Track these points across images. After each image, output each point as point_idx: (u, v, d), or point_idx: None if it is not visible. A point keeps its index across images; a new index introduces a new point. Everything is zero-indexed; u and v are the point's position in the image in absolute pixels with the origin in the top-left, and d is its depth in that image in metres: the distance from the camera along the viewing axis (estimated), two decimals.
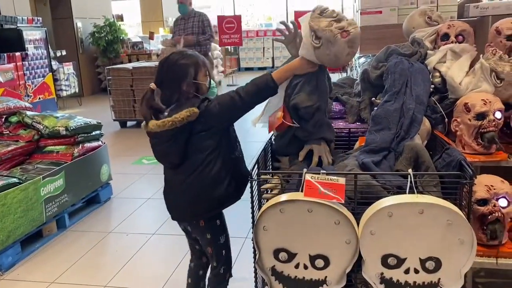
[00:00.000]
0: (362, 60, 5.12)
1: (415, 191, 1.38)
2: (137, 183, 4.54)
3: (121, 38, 11.25)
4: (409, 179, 1.39)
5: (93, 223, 3.60)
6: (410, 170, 1.41)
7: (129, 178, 4.62)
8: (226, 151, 1.78)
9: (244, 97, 1.69)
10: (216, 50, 11.28)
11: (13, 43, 7.90)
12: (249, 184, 1.52)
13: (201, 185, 1.74)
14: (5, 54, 7.42)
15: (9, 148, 3.47)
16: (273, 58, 15.36)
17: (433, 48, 2.20)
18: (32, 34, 8.37)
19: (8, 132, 3.73)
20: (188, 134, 1.74)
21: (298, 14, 10.47)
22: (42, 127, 3.67)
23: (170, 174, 1.88)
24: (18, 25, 8.27)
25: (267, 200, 1.53)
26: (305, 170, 1.43)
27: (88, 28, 10.96)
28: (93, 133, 3.95)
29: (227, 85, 11.71)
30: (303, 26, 1.63)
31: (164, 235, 3.32)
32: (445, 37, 2.20)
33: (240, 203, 1.85)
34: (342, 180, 1.38)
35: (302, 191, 1.41)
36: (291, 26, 1.78)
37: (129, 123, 7.36)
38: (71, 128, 3.66)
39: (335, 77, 10.94)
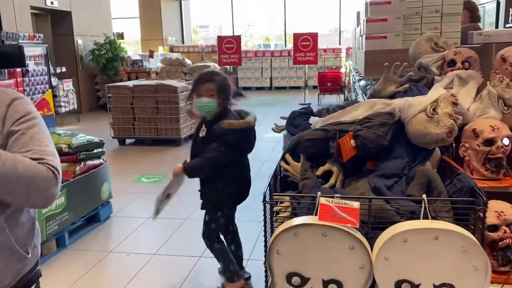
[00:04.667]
0: (363, 82, 5.19)
1: (429, 216, 1.38)
2: (137, 202, 4.52)
3: (121, 56, 11.34)
4: (423, 205, 1.40)
5: (93, 242, 3.57)
6: (424, 196, 1.41)
7: (129, 197, 4.60)
8: None
9: None
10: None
11: (14, 59, 7.97)
12: (262, 207, 1.52)
13: None
14: (6, 70, 7.45)
15: None
16: (271, 78, 15.51)
17: (439, 74, 2.24)
18: (33, 51, 8.44)
19: None
20: None
21: (297, 36, 10.62)
22: None
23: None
24: (19, 41, 8.34)
25: (279, 222, 1.53)
26: (319, 193, 1.43)
27: (88, 45, 11.05)
28: (95, 150, 3.94)
29: None
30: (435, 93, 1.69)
31: (165, 255, 3.29)
32: (452, 63, 2.24)
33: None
34: (356, 204, 1.38)
35: (316, 214, 1.41)
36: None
37: (128, 141, 7.35)
38: (74, 146, 3.65)
39: (332, 98, 11.06)
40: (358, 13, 4.31)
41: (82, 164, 3.75)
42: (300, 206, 1.63)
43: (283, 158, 1.90)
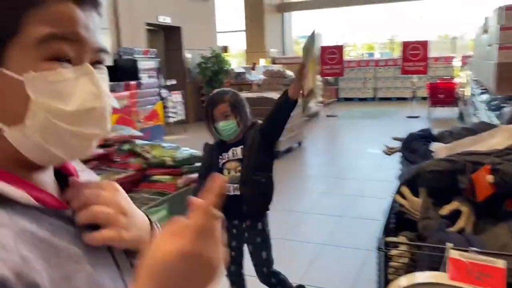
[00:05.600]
0: (485, 97, 4.60)
1: None
2: None
3: (225, 68, 11.69)
4: None
5: None
6: None
7: None
8: None
9: None
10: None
11: (129, 73, 8.59)
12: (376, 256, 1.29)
13: None
14: (123, 83, 8.04)
15: (119, 176, 3.60)
16: (374, 88, 14.86)
17: None
18: (147, 64, 9.02)
19: (119, 159, 3.90)
20: None
21: (406, 44, 10.00)
22: (150, 156, 3.77)
23: None
24: (134, 56, 8.97)
25: (393, 273, 1.30)
26: (449, 245, 1.17)
27: (196, 59, 11.57)
28: (196, 164, 3.97)
29: (326, 116, 11.50)
30: None
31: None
32: None
33: None
34: (501, 263, 1.09)
35: (443, 270, 1.14)
36: None
37: None
38: (177, 159, 3.70)
39: (444, 111, 10.16)
40: (487, 19, 3.80)
41: (184, 178, 3.79)
42: (420, 253, 1.37)
43: (398, 191, 1.65)
